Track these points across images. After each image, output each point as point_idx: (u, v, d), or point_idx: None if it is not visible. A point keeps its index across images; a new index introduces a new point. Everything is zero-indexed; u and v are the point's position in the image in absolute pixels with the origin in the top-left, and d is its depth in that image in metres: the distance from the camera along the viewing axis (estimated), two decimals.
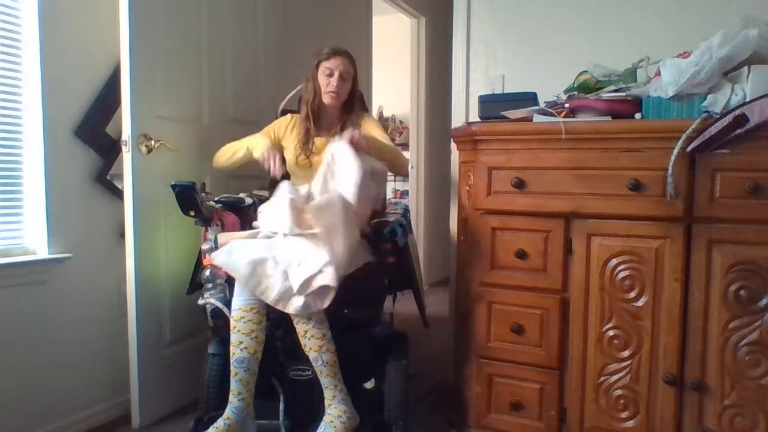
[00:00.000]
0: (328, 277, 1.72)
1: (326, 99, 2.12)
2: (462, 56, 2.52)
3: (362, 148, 1.88)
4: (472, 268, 1.97)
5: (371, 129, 2.13)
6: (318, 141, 2.12)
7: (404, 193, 5.70)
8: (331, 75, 2.09)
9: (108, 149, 2.21)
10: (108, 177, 2.22)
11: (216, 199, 2.02)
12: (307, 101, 2.15)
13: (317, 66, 2.12)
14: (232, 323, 1.79)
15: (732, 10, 1.83)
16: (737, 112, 1.53)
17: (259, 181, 2.33)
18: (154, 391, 2.19)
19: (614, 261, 1.73)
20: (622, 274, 1.72)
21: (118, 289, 2.19)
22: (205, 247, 1.93)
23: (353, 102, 2.19)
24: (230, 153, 2.17)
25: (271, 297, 1.75)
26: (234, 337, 1.78)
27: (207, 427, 1.73)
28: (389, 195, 5.61)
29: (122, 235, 2.15)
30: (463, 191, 2.10)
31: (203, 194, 2.03)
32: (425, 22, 4.68)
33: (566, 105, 1.84)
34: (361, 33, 4.02)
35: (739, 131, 1.54)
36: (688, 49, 1.71)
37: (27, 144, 2.02)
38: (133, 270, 2.11)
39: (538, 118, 1.82)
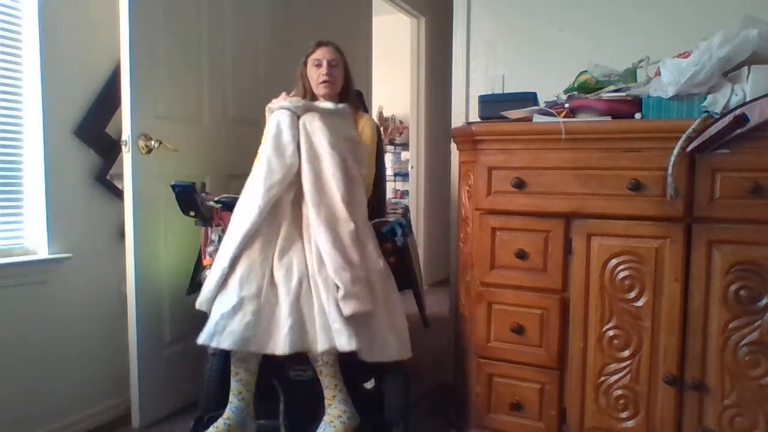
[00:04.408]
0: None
1: (321, 90, 2.09)
2: (462, 56, 2.51)
3: None
4: (472, 268, 1.97)
5: (364, 137, 2.12)
6: None
7: (404, 193, 5.70)
8: (319, 65, 2.08)
9: (108, 149, 2.21)
10: (108, 177, 2.22)
11: (216, 199, 2.02)
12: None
13: (305, 63, 2.12)
14: None
15: (732, 10, 1.83)
16: (737, 112, 1.53)
17: None
18: (154, 391, 2.19)
19: (614, 261, 1.73)
20: (622, 274, 1.72)
21: (118, 289, 2.19)
22: (209, 249, 1.93)
23: (347, 95, 2.17)
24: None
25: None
26: None
27: (207, 427, 1.73)
28: (389, 195, 5.61)
29: (122, 235, 2.15)
30: (463, 191, 2.10)
31: (203, 194, 2.03)
32: (425, 22, 4.68)
33: (566, 105, 1.84)
34: (361, 33, 4.02)
35: (739, 131, 1.54)
36: (688, 49, 1.71)
37: (27, 144, 2.03)
38: (133, 270, 2.11)
39: (538, 118, 1.82)
